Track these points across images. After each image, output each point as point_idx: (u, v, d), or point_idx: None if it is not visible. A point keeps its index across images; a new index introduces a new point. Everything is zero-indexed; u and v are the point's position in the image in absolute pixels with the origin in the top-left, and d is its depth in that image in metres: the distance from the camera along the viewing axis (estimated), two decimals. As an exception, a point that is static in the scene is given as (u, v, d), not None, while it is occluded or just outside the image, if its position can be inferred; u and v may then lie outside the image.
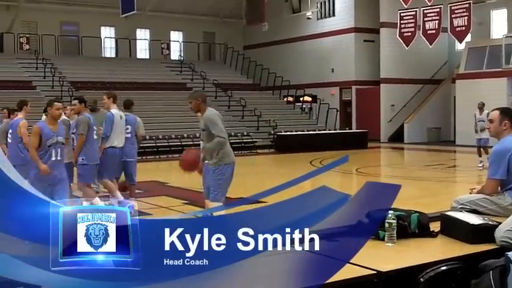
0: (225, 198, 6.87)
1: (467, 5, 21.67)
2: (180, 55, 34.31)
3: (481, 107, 17.20)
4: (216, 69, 33.04)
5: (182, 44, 35.20)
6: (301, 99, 31.12)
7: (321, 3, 31.17)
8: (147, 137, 22.36)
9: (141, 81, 28.46)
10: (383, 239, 4.92)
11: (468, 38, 23.99)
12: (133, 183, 10.14)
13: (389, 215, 4.84)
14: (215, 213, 6.41)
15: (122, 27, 31.46)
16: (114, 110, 9.82)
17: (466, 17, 21.68)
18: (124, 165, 9.98)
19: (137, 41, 33.92)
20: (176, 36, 35.36)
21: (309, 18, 30.13)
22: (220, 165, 6.83)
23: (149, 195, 12.18)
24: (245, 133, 24.83)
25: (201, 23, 34.71)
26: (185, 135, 23.29)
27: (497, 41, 23.51)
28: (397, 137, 28.83)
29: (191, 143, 22.93)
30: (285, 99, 31.62)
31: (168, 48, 34.87)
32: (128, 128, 9.98)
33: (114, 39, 33.09)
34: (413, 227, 5.05)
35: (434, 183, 14.45)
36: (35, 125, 7.42)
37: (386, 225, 4.80)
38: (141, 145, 20.11)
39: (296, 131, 25.82)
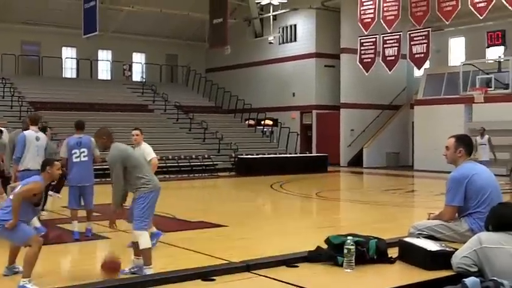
0: (150, 225, 6.66)
1: (426, 33, 22.11)
2: (142, 77, 34.20)
3: (482, 132, 18.12)
4: (178, 91, 33.00)
5: (144, 65, 35.12)
6: (262, 122, 31.26)
7: (283, 28, 31.50)
8: (106, 159, 22.14)
9: (102, 102, 28.21)
10: (342, 265, 4.95)
11: (427, 64, 24.45)
12: (90, 208, 9.69)
13: (348, 241, 4.87)
14: (142, 247, 6.37)
15: (84, 48, 31.22)
16: (28, 131, 9.54)
17: (424, 45, 22.10)
18: (80, 190, 9.54)
19: (99, 62, 33.72)
20: (138, 58, 35.27)
21: (271, 42, 30.37)
22: (142, 193, 6.50)
23: (107, 218, 11.98)
24: (206, 156, 24.78)
25: (164, 45, 34.71)
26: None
27: (454, 68, 24.07)
28: (357, 161, 29.09)
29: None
30: (247, 122, 31.72)
31: (130, 69, 34.79)
32: (83, 151, 9.54)
33: (75, 59, 32.82)
34: (371, 253, 5.09)
35: (393, 207, 14.59)
36: None
37: (345, 251, 4.83)
38: (103, 166, 19.80)
39: (257, 154, 25.87)
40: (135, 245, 6.61)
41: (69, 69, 32.97)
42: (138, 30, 32.73)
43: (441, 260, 4.88)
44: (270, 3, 28.62)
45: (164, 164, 21.79)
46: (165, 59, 35.40)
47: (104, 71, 34.12)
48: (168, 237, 8.82)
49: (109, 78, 33.93)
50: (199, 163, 23.91)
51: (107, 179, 18.39)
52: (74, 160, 9.51)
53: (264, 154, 26.31)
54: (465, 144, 5.94)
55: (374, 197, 17.24)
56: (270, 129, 31.47)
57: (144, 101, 30.55)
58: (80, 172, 9.49)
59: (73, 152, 9.51)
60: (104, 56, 34.03)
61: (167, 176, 20.51)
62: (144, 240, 6.43)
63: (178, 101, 30.51)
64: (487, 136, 18.76)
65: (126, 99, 29.85)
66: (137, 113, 28.25)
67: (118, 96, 29.91)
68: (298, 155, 27.92)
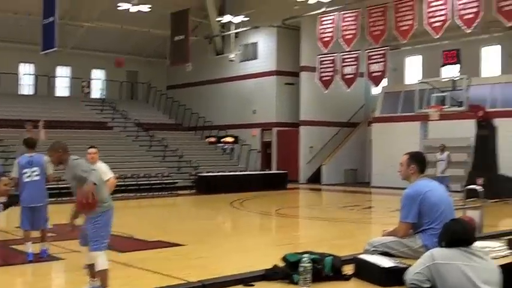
0: (106, 245, 6.54)
1: (383, 52, 22.54)
2: (102, 94, 33.90)
3: (442, 148, 18.78)
4: (138, 108, 32.82)
5: (104, 82, 34.84)
6: (223, 140, 31.28)
7: (244, 46, 31.68)
8: (62, 177, 21.81)
9: (60, 119, 27.77)
10: (298, 283, 4.98)
11: (384, 82, 24.88)
12: (44, 228, 9.36)
13: (304, 259, 4.90)
14: (100, 268, 6.26)
15: (42, 64, 30.80)
16: None
17: (382, 63, 22.52)
18: (32, 210, 9.19)
19: (57, 78, 33.32)
20: (98, 75, 34.97)
21: (232, 60, 30.51)
22: (98, 212, 6.32)
23: (62, 238, 11.74)
24: (166, 174, 24.62)
25: (124, 62, 34.49)
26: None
27: (411, 86, 24.50)
28: (316, 178, 29.29)
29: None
30: (207, 139, 31.69)
31: (89, 86, 34.42)
32: (35, 171, 9.21)
33: (33, 76, 32.36)
34: (327, 270, 5.14)
35: (350, 224, 14.73)
36: None
37: (301, 268, 4.86)
38: (58, 185, 19.48)
39: (217, 172, 25.84)
40: (90, 266, 6.49)
41: (27, 85, 32.47)
42: (97, 46, 32.48)
43: (395, 276, 4.92)
44: (231, 22, 28.79)
45: (123, 183, 21.55)
46: (125, 75, 35.16)
47: (62, 88, 33.68)
48: (124, 258, 8.74)
49: (68, 95, 33.51)
50: (158, 181, 23.73)
51: (63, 198, 18.14)
52: (25, 180, 9.18)
53: (225, 171, 26.30)
54: (417, 161, 6.05)
55: (332, 214, 17.40)
56: (230, 147, 31.49)
57: (103, 118, 30.26)
58: (31, 192, 9.18)
59: (24, 171, 9.19)
60: (63, 73, 33.63)
61: (126, 194, 20.31)
62: (101, 261, 6.28)
63: (138, 118, 30.33)
64: (446, 152, 19.48)
65: (84, 117, 29.50)
66: (96, 130, 27.96)
67: (76, 113, 29.54)
68: (259, 172, 27.98)
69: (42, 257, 9.03)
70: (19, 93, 31.84)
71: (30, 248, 8.99)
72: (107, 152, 24.46)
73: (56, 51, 25.46)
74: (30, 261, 8.77)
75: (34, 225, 9.25)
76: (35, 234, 9.31)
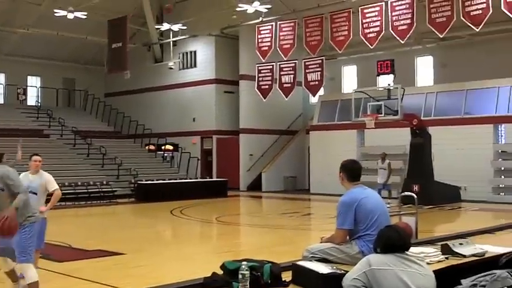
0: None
1: (320, 61, 22.88)
2: (38, 101, 33.18)
3: (383, 157, 19.28)
4: (76, 116, 32.26)
5: (40, 89, 34.10)
6: (162, 147, 31.08)
7: (183, 54, 31.63)
8: None
9: (-6, 127, 27.09)
10: (237, 291, 5.02)
11: (321, 91, 25.26)
12: None
13: (243, 267, 4.96)
14: (30, 280, 6.10)
15: (-26, 71, 29.99)
16: None
17: (319, 72, 22.86)
18: None
19: (-9, 85, 32.46)
20: (34, 81, 34.20)
21: (171, 68, 30.39)
22: (26, 224, 6.17)
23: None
24: (105, 182, 24.29)
25: (61, 69, 33.92)
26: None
27: (347, 95, 24.99)
28: (256, 185, 29.45)
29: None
30: (147, 147, 31.42)
31: (25, 93, 33.60)
32: None
33: (-35, 82, 31.43)
34: (266, 278, 5.18)
35: (290, 230, 14.90)
36: None
37: (240, 276, 4.90)
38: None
39: (157, 180, 25.65)
40: (11, 273, 6.37)
41: (-41, 92, 31.51)
42: (33, 53, 31.80)
43: (332, 282, 4.92)
44: (169, 29, 28.71)
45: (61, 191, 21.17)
46: (61, 82, 34.52)
47: (-4, 95, 32.83)
48: (62, 267, 8.62)
49: (2, 102, 32.63)
50: (97, 189, 23.39)
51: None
52: None
53: (165, 179, 26.15)
54: (345, 169, 6.17)
55: (272, 221, 17.55)
56: (170, 155, 31.32)
57: (40, 125, 29.61)
58: None
59: None
60: (-3, 79, 32.79)
61: (63, 203, 19.92)
62: (31, 273, 6.13)
63: (75, 125, 29.80)
64: (387, 161, 19.97)
65: (20, 124, 28.75)
66: (32, 138, 27.25)
67: (12, 120, 28.78)
68: (199, 180, 27.94)
69: None
70: (-50, 100, 30.86)
71: None
72: (44, 160, 23.98)
73: (-10, 58, 24.88)
74: None
75: None
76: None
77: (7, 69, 32.24)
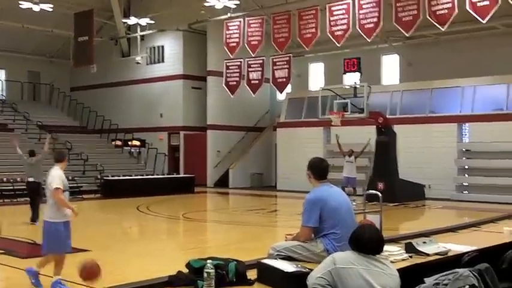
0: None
1: (287, 58, 22.94)
2: (2, 94, 32.61)
3: (350, 153, 20.42)
4: (41, 110, 31.81)
5: (4, 82, 33.52)
6: (129, 143, 30.87)
7: (151, 48, 31.42)
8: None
9: (-44, 120, 26.60)
10: (202, 288, 5.03)
11: (288, 89, 25.34)
12: None
13: (208, 265, 4.97)
14: None
15: None
16: None
17: (286, 69, 22.91)
18: None
19: (-47, 77, 31.81)
20: (-3, 74, 33.65)
21: (138, 62, 30.17)
22: None
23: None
24: (70, 177, 23.98)
25: (26, 62, 33.38)
26: (5, 179, 22.01)
27: (314, 93, 25.09)
28: (223, 182, 29.44)
29: (11, 187, 21.74)
30: (113, 143, 31.17)
31: (-11, 86, 33.05)
32: None
33: None
34: (231, 276, 5.20)
35: (256, 227, 14.95)
36: None
37: (205, 275, 4.91)
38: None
39: (124, 176, 25.45)
40: None
41: None
42: (-3, 45, 31.27)
43: (297, 280, 4.94)
44: (137, 24, 28.48)
45: (23, 187, 20.86)
46: (26, 76, 34.00)
47: (-41, 88, 32.18)
48: (26, 263, 8.50)
49: (-35, 95, 32.07)
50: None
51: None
52: None
53: (131, 175, 25.96)
54: (313, 167, 6.21)
55: (239, 217, 17.57)
56: (137, 150, 31.12)
57: (4, 119, 29.11)
58: None
59: None
60: (-41, 72, 32.16)
61: (27, 199, 19.63)
62: None
63: (40, 120, 29.39)
64: (353, 156, 20.37)
65: (-17, 118, 28.34)
66: (-5, 132, 26.90)
67: (-25, 114, 28.34)
68: (166, 176, 27.81)
69: None
70: None
71: None
72: (8, 154, 23.62)
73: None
74: None
75: None
76: None
77: (-30, 62, 31.66)
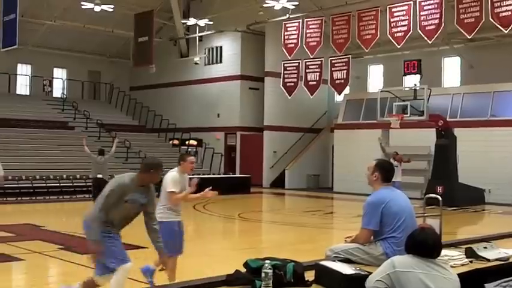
0: None
1: (346, 59, 22.77)
2: (63, 93, 33.47)
3: (395, 156, 19.20)
4: (101, 109, 32.49)
5: (66, 81, 34.39)
6: (186, 142, 31.18)
7: (209, 49, 31.66)
8: (23, 177, 21.47)
9: (20, 118, 27.37)
10: (260, 289, 4.99)
11: (347, 90, 25.13)
12: None
13: (266, 265, 4.92)
14: None
15: (2, 61, 30.20)
16: None
17: (345, 71, 22.75)
18: None
19: (18, 76, 32.75)
20: (59, 73, 34.49)
21: (196, 63, 30.47)
22: None
23: (22, 239, 11.61)
24: (128, 175, 24.37)
25: (87, 61, 34.13)
26: (64, 176, 22.55)
27: (373, 95, 24.79)
28: (279, 182, 29.38)
29: (70, 184, 22.27)
30: (171, 142, 31.55)
31: (51, 85, 33.92)
32: None
33: (-7, 73, 31.75)
34: (288, 277, 5.13)
35: (312, 229, 14.86)
36: None
37: (263, 274, 4.87)
38: (15, 185, 19.31)
39: (180, 175, 25.64)
40: None
41: (-14, 83, 31.84)
42: (59, 45, 32.06)
43: (356, 283, 4.83)
44: (196, 24, 28.76)
45: (84, 184, 21.35)
46: (87, 75, 34.78)
47: (22, 86, 33.13)
48: (86, 260, 8.63)
49: (28, 93, 32.98)
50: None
51: (23, 198, 17.78)
52: None
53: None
54: (383, 169, 6.09)
55: (294, 219, 17.50)
56: (194, 150, 31.41)
57: (65, 117, 29.88)
58: None
59: None
60: (23, 71, 33.10)
61: (87, 196, 20.10)
62: None
63: (100, 118, 30.01)
64: (397, 161, 19.92)
65: (45, 116, 29.10)
66: (57, 130, 27.60)
67: (37, 112, 29.12)
68: (222, 175, 27.96)
69: None
70: (-22, 90, 31.22)
71: None
72: (69, 152, 24.21)
73: (17, 49, 25.11)
74: None
75: None
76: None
77: (34, 61, 32.55)
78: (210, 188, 7.43)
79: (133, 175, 6.36)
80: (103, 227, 6.25)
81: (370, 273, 4.88)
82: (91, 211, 6.11)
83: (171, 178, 7.45)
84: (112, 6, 26.42)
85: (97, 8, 26.12)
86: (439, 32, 19.42)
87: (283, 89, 24.35)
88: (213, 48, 31.65)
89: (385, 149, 20.56)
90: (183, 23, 30.16)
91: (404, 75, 21.47)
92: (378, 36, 20.79)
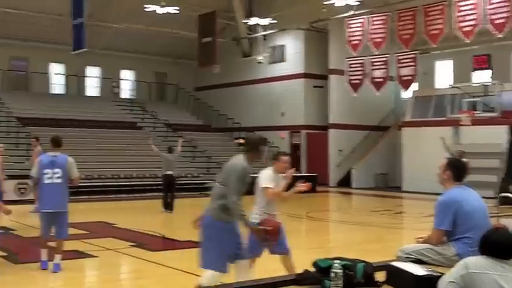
0: None
1: (413, 56, 22.35)
2: (131, 94, 34.18)
3: (461, 154, 18.67)
4: (167, 109, 33.03)
5: (133, 83, 35.11)
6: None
7: (272, 48, 31.67)
8: (95, 176, 22.05)
9: (90, 119, 28.14)
10: (329, 288, 4.95)
11: (414, 86, 24.64)
12: (62, 238, 8.37)
13: (336, 265, 4.88)
14: None
15: (72, 64, 31.16)
16: None
17: (412, 67, 22.34)
18: (52, 216, 8.23)
19: (87, 78, 33.67)
20: (127, 75, 35.27)
21: (260, 62, 30.54)
22: None
23: (95, 236, 11.92)
24: (195, 174, 24.72)
25: (153, 63, 34.75)
26: (134, 175, 23.03)
27: (441, 91, 24.27)
28: (345, 181, 29.05)
29: (140, 182, 22.73)
30: (236, 141, 31.74)
31: (119, 86, 34.74)
32: (57, 172, 8.21)
33: (63, 75, 32.75)
34: (358, 277, 5.08)
35: (380, 229, 14.63)
36: None
37: (332, 274, 4.82)
38: (89, 184, 19.89)
39: (246, 174, 25.76)
40: None
41: (57, 85, 32.86)
42: (126, 47, 32.73)
43: (428, 284, 4.78)
44: (258, 24, 28.82)
45: (154, 182, 21.73)
46: (154, 76, 35.44)
47: (92, 88, 34.05)
48: (155, 257, 8.80)
49: (97, 95, 33.86)
50: (188, 181, 23.81)
51: (95, 197, 18.27)
52: (46, 181, 8.22)
53: (254, 173, 26.24)
54: (454, 168, 5.94)
55: (362, 218, 17.30)
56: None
57: (133, 118, 30.54)
58: (51, 196, 8.19)
59: (45, 171, 8.23)
60: (92, 73, 34.00)
61: (156, 194, 20.45)
62: None
63: (167, 119, 30.52)
64: (465, 159, 19.14)
65: (114, 117, 29.82)
66: (126, 130, 28.23)
67: (107, 113, 29.89)
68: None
69: (55, 271, 8.24)
70: (50, 92, 32.24)
71: (45, 256, 8.36)
72: (138, 151, 24.72)
73: (86, 52, 25.82)
74: (44, 269, 8.31)
75: (52, 233, 8.43)
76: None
77: (102, 63, 33.39)
78: (303, 181, 7.32)
79: (243, 157, 6.53)
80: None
81: (443, 274, 4.79)
82: (223, 203, 6.37)
83: (266, 175, 7.35)
84: (175, 8, 26.77)
85: (160, 10, 26.50)
86: (508, 25, 18.79)
87: (349, 86, 24.10)
88: (276, 47, 31.64)
89: (449, 148, 20.02)
90: (246, 23, 30.28)
91: (474, 70, 20.90)
92: (445, 31, 20.29)
